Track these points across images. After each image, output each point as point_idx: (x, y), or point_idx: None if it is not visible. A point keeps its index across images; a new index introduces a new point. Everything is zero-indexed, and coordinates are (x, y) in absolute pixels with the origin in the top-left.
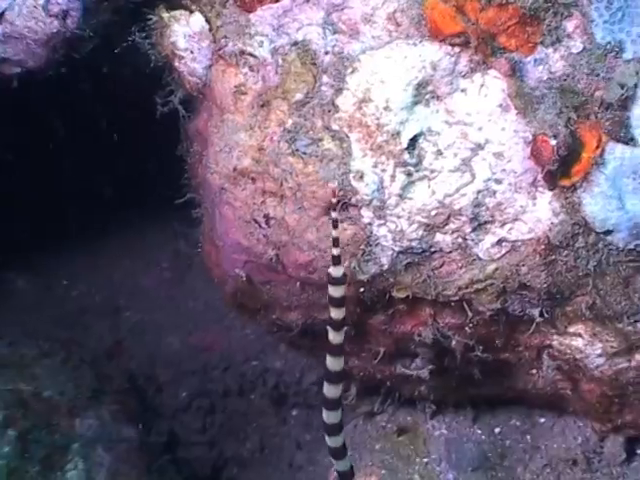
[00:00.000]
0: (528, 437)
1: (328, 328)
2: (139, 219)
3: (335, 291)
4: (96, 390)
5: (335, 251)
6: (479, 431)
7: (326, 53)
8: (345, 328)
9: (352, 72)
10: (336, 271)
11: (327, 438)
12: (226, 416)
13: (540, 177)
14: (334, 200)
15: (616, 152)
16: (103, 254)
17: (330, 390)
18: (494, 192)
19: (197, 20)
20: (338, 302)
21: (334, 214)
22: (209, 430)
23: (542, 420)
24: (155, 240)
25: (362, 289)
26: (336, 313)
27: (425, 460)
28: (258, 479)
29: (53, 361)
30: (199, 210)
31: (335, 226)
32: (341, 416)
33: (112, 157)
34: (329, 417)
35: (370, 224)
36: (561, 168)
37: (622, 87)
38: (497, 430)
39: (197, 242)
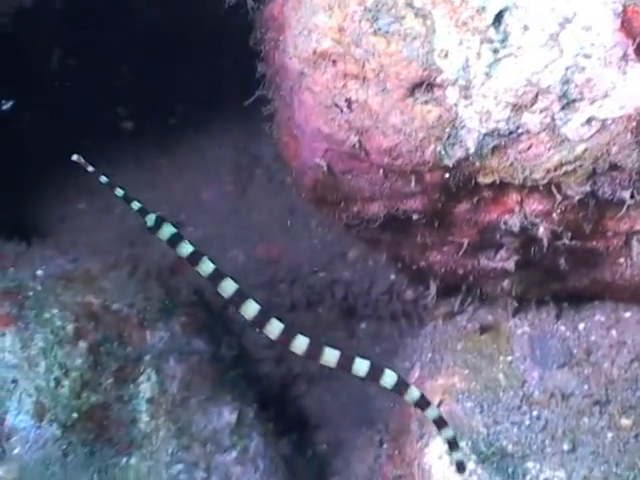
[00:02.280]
0: (614, 332)
1: None
2: (197, 133)
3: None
4: (165, 302)
5: None
6: (563, 327)
7: None
8: None
9: None
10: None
11: None
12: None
13: (631, 50)
14: None
15: None
16: (162, 170)
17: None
18: (583, 68)
19: None
20: None
21: None
22: (276, 346)
23: (627, 315)
24: (215, 154)
25: (447, 175)
26: None
27: (509, 358)
28: (327, 395)
29: (120, 274)
30: (270, 106)
31: None
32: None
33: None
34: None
35: (455, 105)
36: None
37: None
38: (581, 326)
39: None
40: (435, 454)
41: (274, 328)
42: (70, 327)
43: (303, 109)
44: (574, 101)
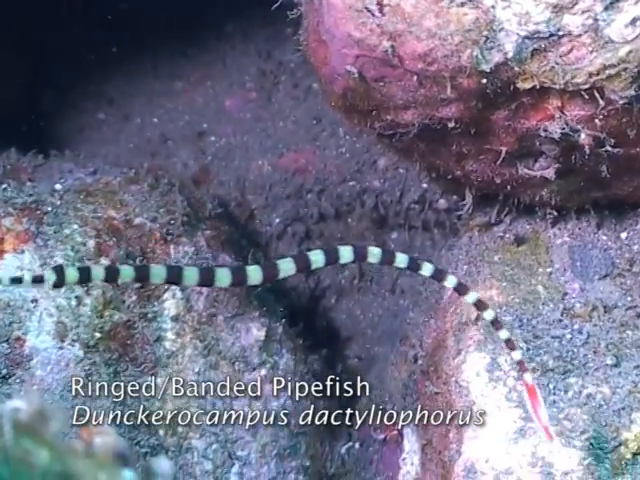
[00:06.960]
0: None
1: None
2: (218, 39)
3: None
4: (189, 216)
5: None
6: (604, 237)
7: None
8: None
9: None
10: None
11: None
12: (323, 242)
13: None
14: None
15: None
16: (182, 78)
17: None
18: None
19: None
20: None
21: None
22: None
23: None
24: (237, 60)
25: (484, 80)
26: None
27: (548, 270)
28: (358, 308)
29: (141, 187)
30: (296, 10)
31: None
32: None
33: None
34: None
35: (493, 7)
36: None
37: None
38: (624, 235)
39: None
40: (473, 371)
41: None
42: (91, 243)
43: (332, 13)
44: (617, 0)
